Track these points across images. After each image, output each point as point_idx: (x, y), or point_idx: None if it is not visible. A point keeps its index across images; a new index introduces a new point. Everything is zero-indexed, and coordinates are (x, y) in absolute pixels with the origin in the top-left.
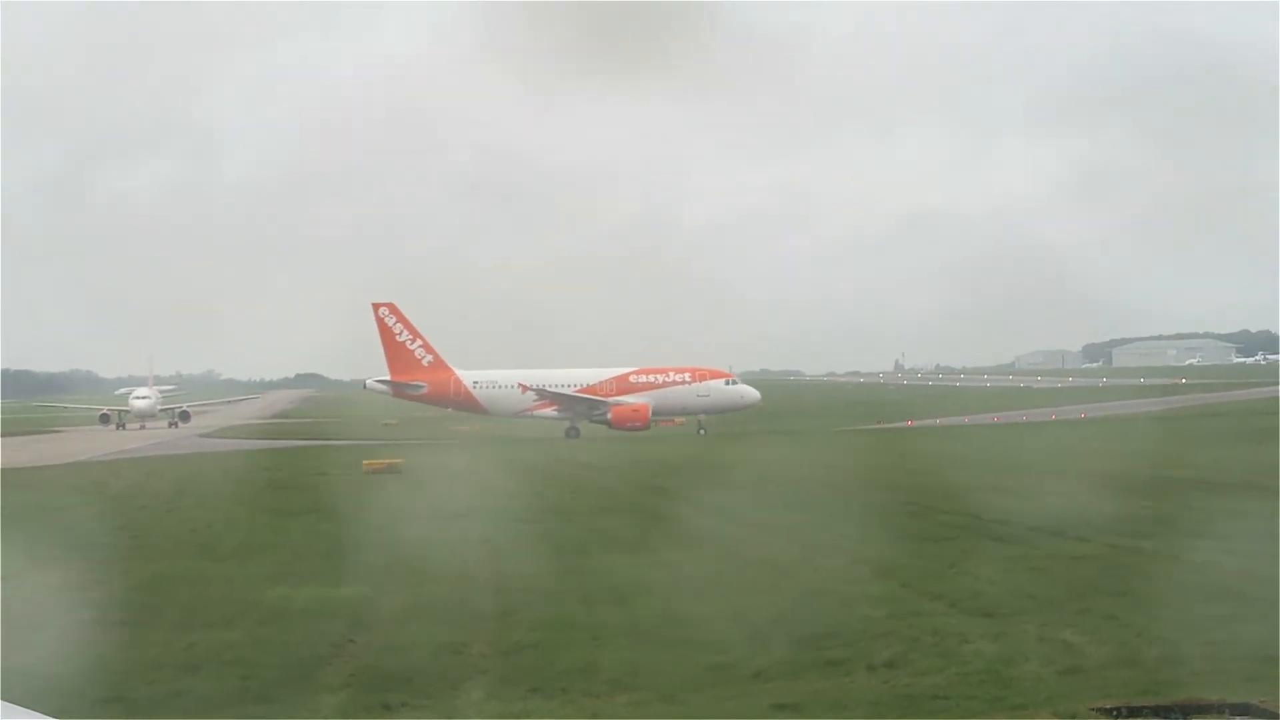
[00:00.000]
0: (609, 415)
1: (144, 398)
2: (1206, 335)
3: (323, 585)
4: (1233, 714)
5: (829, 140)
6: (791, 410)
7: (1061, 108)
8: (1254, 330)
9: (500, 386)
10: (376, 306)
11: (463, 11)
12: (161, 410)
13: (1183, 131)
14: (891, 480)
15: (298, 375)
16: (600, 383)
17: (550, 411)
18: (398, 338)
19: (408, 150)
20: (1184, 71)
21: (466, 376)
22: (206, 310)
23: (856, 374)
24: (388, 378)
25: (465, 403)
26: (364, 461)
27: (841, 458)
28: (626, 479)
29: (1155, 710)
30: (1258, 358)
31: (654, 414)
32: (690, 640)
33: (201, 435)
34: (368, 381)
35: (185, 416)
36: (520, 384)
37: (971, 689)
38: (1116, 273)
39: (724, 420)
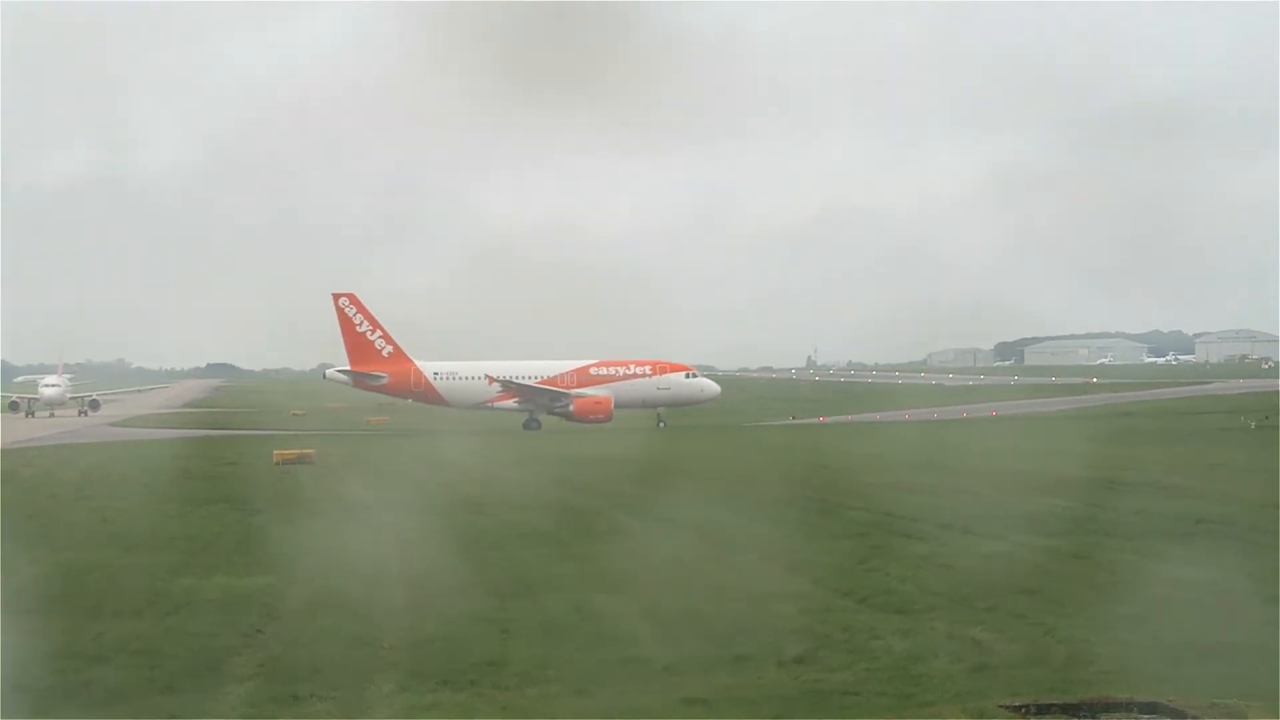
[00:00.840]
0: (571, 407)
1: (53, 386)
2: (1118, 335)
3: (231, 575)
4: (1141, 712)
5: (753, 141)
6: (707, 406)
7: (983, 110)
8: (1165, 331)
9: (460, 378)
10: (336, 296)
11: (379, 14)
12: (71, 398)
13: (1099, 135)
14: (803, 477)
15: (209, 365)
16: (560, 375)
17: (511, 403)
18: (358, 328)
19: (326, 145)
20: (1105, 75)
21: (427, 368)
22: (118, 300)
23: (769, 369)
24: (347, 368)
25: (425, 394)
26: (275, 452)
27: (755, 454)
28: (542, 474)
29: (1064, 708)
30: (1169, 358)
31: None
32: (601, 635)
33: (111, 424)
34: (327, 372)
35: (95, 405)
36: (487, 375)
37: (881, 685)
38: (1030, 273)
39: (647, 415)
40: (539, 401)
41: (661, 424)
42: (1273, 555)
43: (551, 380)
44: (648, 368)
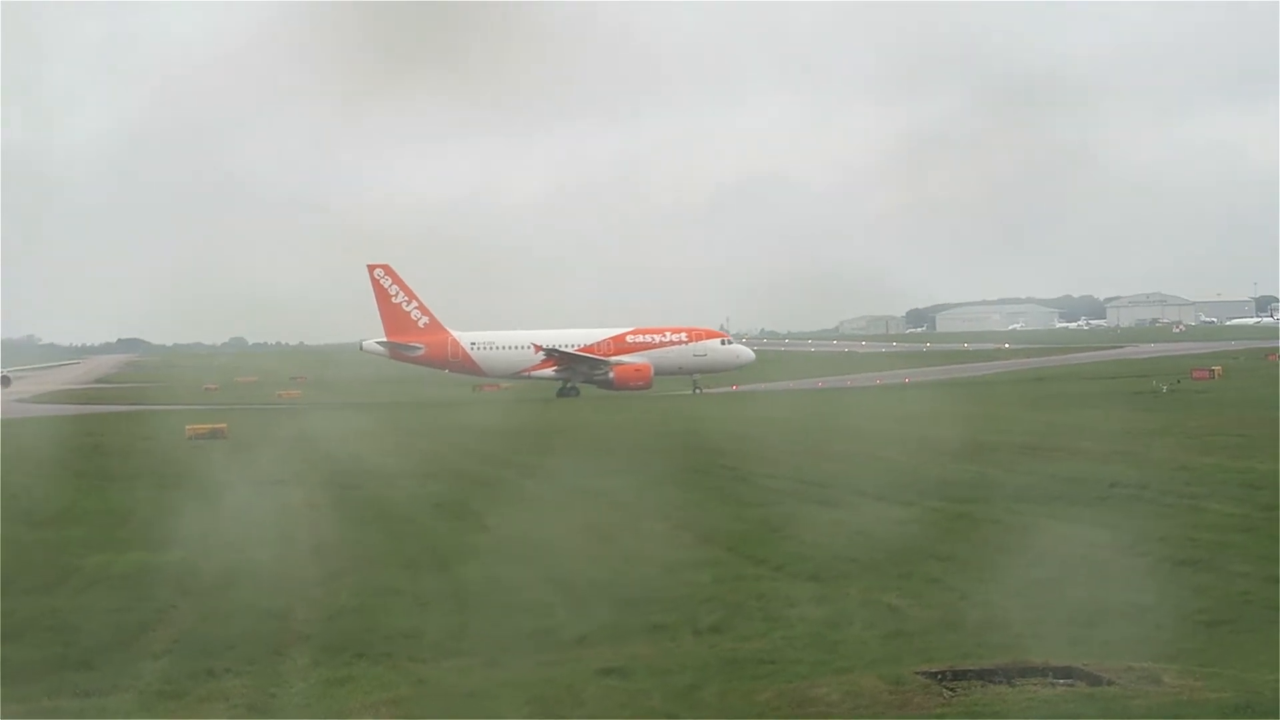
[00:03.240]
0: (611, 375)
1: None
2: (1029, 300)
3: (144, 551)
4: (1056, 676)
5: (670, 110)
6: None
7: (901, 75)
8: (1076, 296)
9: (497, 347)
10: (372, 268)
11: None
12: None
13: (1012, 101)
14: (715, 445)
15: (119, 340)
16: (598, 343)
17: (550, 372)
18: (393, 299)
19: (242, 115)
20: (1020, 42)
21: (464, 338)
22: (26, 275)
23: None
24: (384, 339)
25: (463, 364)
26: (187, 426)
27: (663, 421)
28: (464, 446)
29: (979, 673)
30: (1080, 323)
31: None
32: (514, 605)
33: (21, 400)
34: (364, 343)
35: (6, 382)
36: (534, 344)
37: (797, 652)
38: (941, 239)
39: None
40: (579, 370)
41: (698, 390)
42: (1184, 518)
43: (589, 348)
44: (684, 334)
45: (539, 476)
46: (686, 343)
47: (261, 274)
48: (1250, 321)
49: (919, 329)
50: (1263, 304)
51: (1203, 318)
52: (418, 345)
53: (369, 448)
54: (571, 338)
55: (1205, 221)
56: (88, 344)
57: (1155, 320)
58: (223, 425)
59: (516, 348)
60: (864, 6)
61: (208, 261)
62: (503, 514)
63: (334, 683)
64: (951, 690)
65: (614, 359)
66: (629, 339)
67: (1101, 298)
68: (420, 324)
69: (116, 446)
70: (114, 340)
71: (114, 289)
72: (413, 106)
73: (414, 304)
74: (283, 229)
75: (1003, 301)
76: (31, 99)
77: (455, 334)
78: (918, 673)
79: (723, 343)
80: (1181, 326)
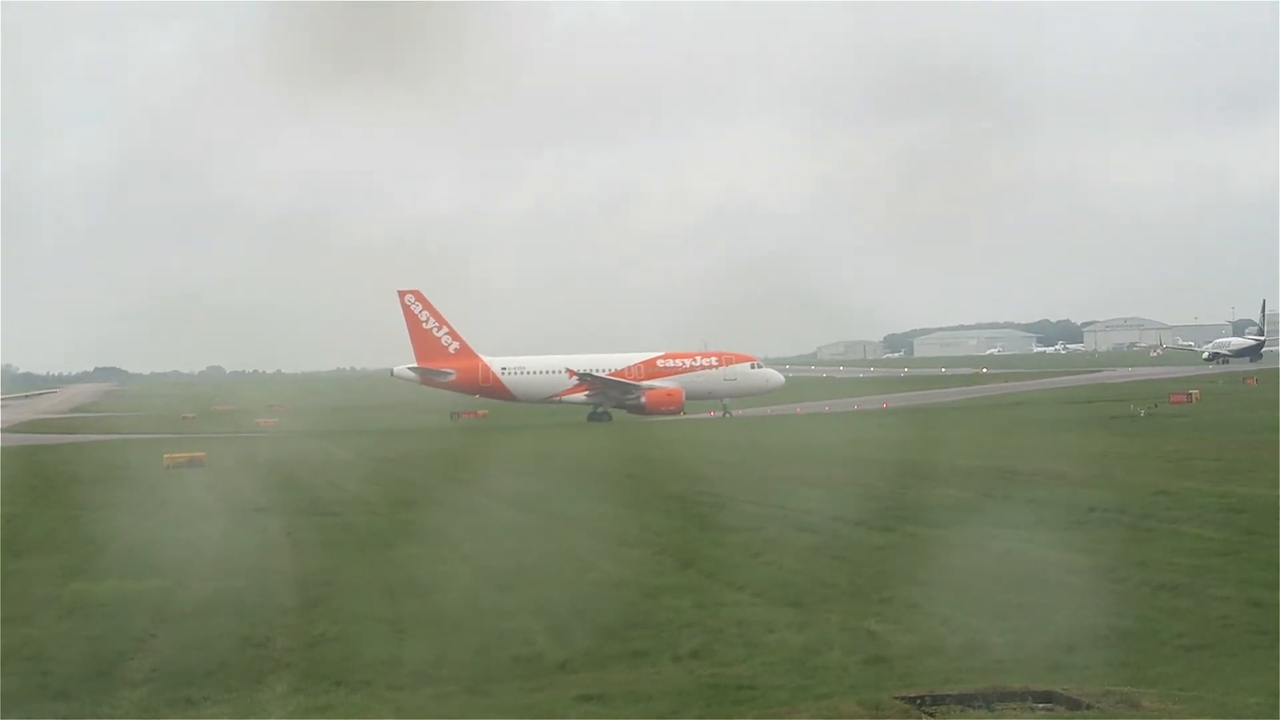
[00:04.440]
0: (642, 400)
1: None
2: (1007, 325)
3: (123, 579)
4: (1035, 701)
5: (657, 133)
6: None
7: (883, 99)
8: (1054, 320)
9: (529, 372)
10: (402, 294)
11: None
12: None
13: (996, 124)
14: (694, 471)
15: (96, 369)
16: (629, 368)
17: (581, 396)
18: (424, 325)
19: (224, 143)
20: (1007, 66)
21: (494, 363)
22: (3, 301)
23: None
24: (414, 365)
25: (494, 389)
26: (165, 455)
27: (646, 448)
28: (442, 474)
29: (959, 698)
30: (1057, 347)
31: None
32: (493, 631)
33: None
34: (395, 369)
35: None
36: (568, 369)
37: (777, 678)
38: (918, 264)
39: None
40: (611, 395)
41: (727, 414)
42: (1163, 542)
43: (620, 373)
44: (714, 359)
45: (517, 503)
46: (717, 367)
47: (242, 299)
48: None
49: (896, 354)
50: (1239, 328)
51: (1180, 341)
52: (449, 371)
53: (347, 476)
54: (603, 362)
55: (1183, 245)
56: (64, 373)
57: (1133, 344)
58: (201, 454)
59: (548, 372)
60: (847, 29)
61: (186, 287)
62: (481, 541)
63: (313, 711)
64: (931, 715)
65: (645, 384)
66: (659, 363)
67: (1079, 322)
68: (450, 349)
69: (94, 475)
70: (91, 369)
71: (91, 317)
72: (401, 127)
73: (444, 329)
74: (268, 252)
75: (980, 326)
76: (2, 129)
77: (486, 359)
78: (897, 698)
79: (753, 366)
80: (1159, 349)
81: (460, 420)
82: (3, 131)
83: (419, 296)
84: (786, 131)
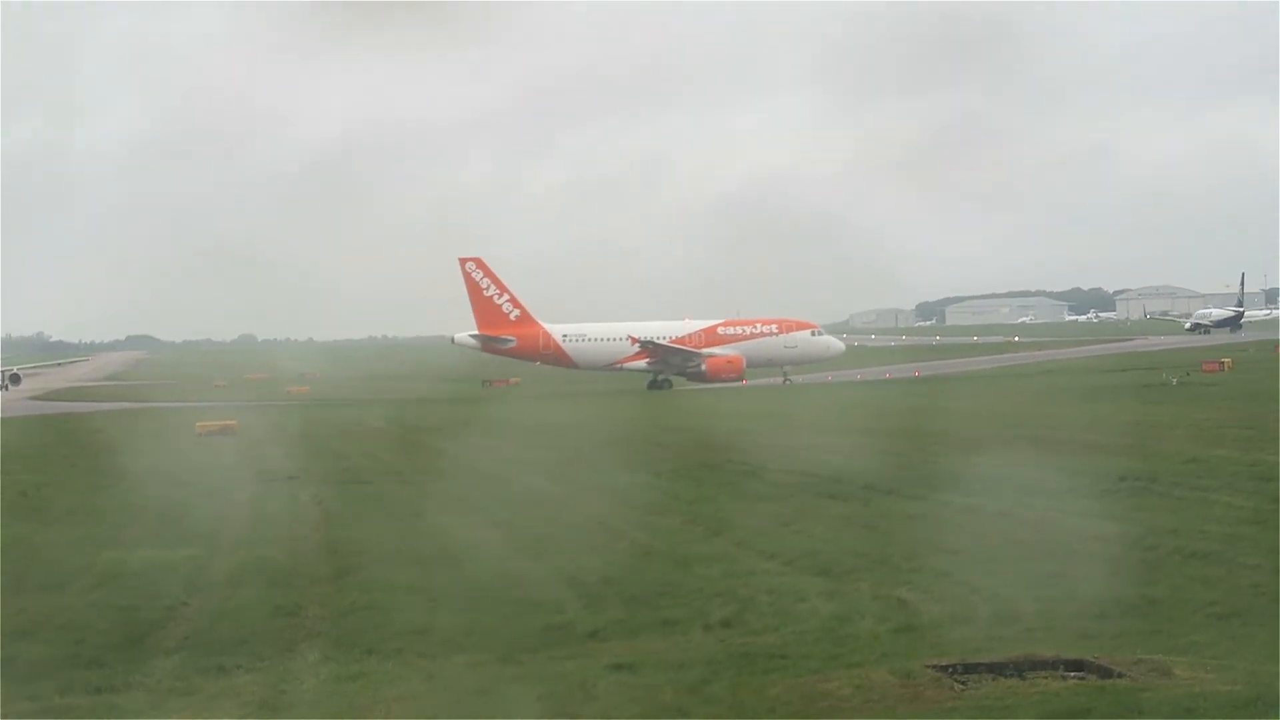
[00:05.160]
0: (703, 367)
1: None
2: (1039, 293)
3: (155, 548)
4: (1067, 669)
5: (692, 105)
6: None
7: (917, 72)
8: (1085, 288)
9: (590, 339)
10: (464, 261)
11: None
12: None
13: (1030, 95)
14: (725, 440)
15: (128, 337)
16: (689, 335)
17: (642, 364)
18: (484, 292)
19: (250, 119)
20: (1047, 37)
21: (556, 330)
22: (36, 273)
23: None
24: (475, 332)
25: (555, 356)
26: (197, 424)
27: (675, 417)
28: (474, 443)
29: (990, 667)
30: (1089, 315)
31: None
32: (524, 600)
33: (33, 398)
34: (456, 336)
35: (16, 379)
36: (630, 336)
37: (808, 647)
38: (953, 231)
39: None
40: (672, 362)
41: (787, 381)
42: (1194, 510)
43: (681, 340)
44: (774, 326)
45: (539, 470)
46: (777, 334)
47: (276, 266)
48: (1262, 314)
49: (928, 322)
50: (1271, 296)
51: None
52: (510, 338)
53: (378, 444)
54: (664, 329)
55: (1216, 214)
56: (97, 341)
57: (1165, 313)
58: (233, 422)
59: (610, 340)
60: (882, 4)
61: (219, 255)
62: (513, 510)
63: (345, 679)
64: (962, 683)
65: (705, 351)
66: (720, 331)
67: (1111, 290)
68: (512, 316)
69: (126, 444)
70: (123, 337)
71: (124, 284)
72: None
73: (505, 297)
74: (304, 221)
75: (1012, 295)
76: (43, 100)
77: (547, 326)
78: (928, 666)
79: (813, 334)
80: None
81: (492, 388)
82: (37, 104)
83: (480, 264)
84: (822, 101)
